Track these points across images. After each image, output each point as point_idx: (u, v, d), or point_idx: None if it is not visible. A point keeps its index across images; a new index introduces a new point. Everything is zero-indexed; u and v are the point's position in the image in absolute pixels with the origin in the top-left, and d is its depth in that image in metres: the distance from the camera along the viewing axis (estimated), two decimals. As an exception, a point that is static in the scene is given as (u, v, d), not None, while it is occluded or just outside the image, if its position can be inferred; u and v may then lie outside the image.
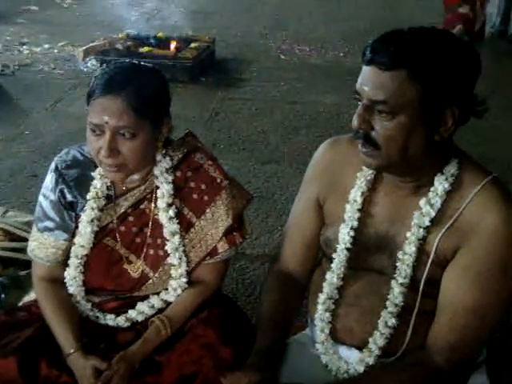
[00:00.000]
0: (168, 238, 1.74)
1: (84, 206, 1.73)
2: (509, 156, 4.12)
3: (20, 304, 1.92)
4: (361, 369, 1.56)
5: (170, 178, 1.74)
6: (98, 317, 1.77)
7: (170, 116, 1.72)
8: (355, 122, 1.41)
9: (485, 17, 6.83)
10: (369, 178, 1.57)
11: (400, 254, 1.50)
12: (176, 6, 7.97)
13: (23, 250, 2.11)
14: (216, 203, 1.76)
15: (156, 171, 1.73)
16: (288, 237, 1.75)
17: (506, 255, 1.44)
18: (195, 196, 1.76)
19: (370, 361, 1.55)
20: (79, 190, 1.74)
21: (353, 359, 1.58)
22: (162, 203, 1.73)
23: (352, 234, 1.57)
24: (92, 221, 1.73)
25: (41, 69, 5.64)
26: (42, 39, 6.46)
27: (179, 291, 1.77)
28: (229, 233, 1.77)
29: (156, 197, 1.74)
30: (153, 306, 1.76)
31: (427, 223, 1.48)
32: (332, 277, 1.60)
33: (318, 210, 1.68)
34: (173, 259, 1.75)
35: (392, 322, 1.52)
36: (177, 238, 1.74)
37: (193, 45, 5.64)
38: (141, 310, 1.76)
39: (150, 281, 1.77)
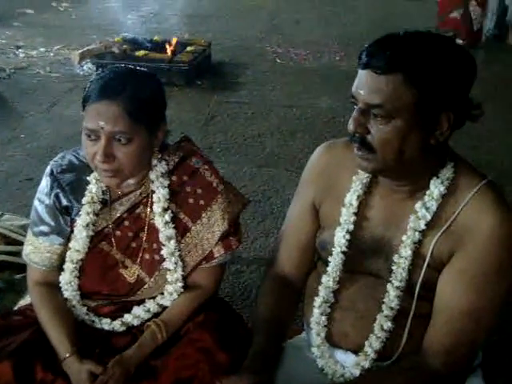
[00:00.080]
0: (164, 242, 1.73)
1: (79, 211, 1.73)
2: (504, 160, 4.13)
3: (15, 308, 1.92)
4: (357, 372, 1.56)
5: (166, 183, 1.73)
6: (93, 321, 1.76)
7: (166, 121, 1.72)
8: (351, 125, 1.41)
9: (483, 18, 6.83)
10: (364, 181, 1.57)
11: (396, 258, 1.51)
12: (172, 9, 7.97)
13: (18, 254, 2.10)
14: (212, 208, 1.75)
15: (152, 176, 1.73)
16: (284, 240, 1.75)
17: (502, 259, 1.44)
18: (191, 200, 1.76)
19: (366, 364, 1.55)
20: (74, 195, 1.74)
21: (349, 363, 1.58)
22: (157, 208, 1.73)
23: (348, 237, 1.57)
24: (87, 225, 1.72)
25: (37, 72, 5.63)
26: (37, 42, 6.45)
27: (175, 296, 1.76)
28: (225, 237, 1.77)
29: (152, 201, 1.74)
30: (148, 310, 1.76)
31: (423, 227, 1.48)
32: (328, 280, 1.60)
33: (314, 214, 1.68)
34: (169, 264, 1.74)
35: (388, 325, 1.52)
36: (173, 243, 1.73)
37: (189, 48, 5.65)
38: (136, 314, 1.75)
39: (146, 285, 1.77)
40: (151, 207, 1.74)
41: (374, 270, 1.56)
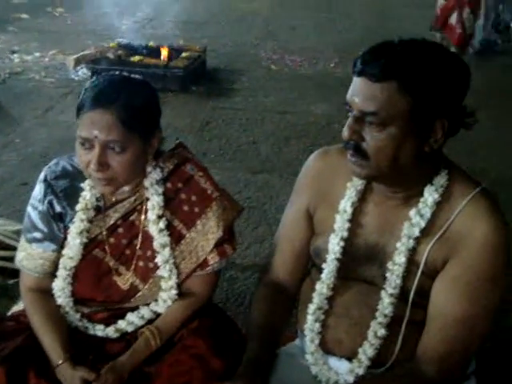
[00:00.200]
0: (158, 250, 1.73)
1: (73, 217, 1.72)
2: (497, 167, 4.14)
3: (8, 314, 1.91)
4: (351, 379, 1.56)
5: (161, 190, 1.73)
6: (87, 327, 1.75)
7: (161, 128, 1.72)
8: (345, 132, 1.42)
9: (474, 28, 6.86)
10: (359, 188, 1.57)
11: (390, 265, 1.51)
12: (167, 15, 7.97)
13: (12, 259, 2.09)
14: (207, 215, 1.75)
15: (146, 183, 1.73)
16: (278, 246, 1.75)
17: (495, 266, 1.45)
18: (186, 208, 1.75)
19: (360, 371, 1.55)
20: (68, 201, 1.73)
21: (343, 370, 1.58)
22: (152, 215, 1.72)
23: (342, 244, 1.57)
24: (81, 232, 1.72)
25: (31, 77, 5.63)
26: (32, 47, 6.45)
27: (169, 303, 1.76)
28: (219, 245, 1.76)
29: (146, 208, 1.73)
30: (142, 317, 1.75)
31: (417, 234, 1.49)
32: (322, 287, 1.60)
33: (308, 220, 1.68)
34: (163, 271, 1.74)
35: (381, 332, 1.52)
36: (167, 251, 1.73)
37: (184, 54, 5.65)
38: (130, 321, 1.75)
39: (140, 293, 1.76)
40: (145, 214, 1.73)
41: (368, 276, 1.56)
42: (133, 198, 1.74)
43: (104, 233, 1.74)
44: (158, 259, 1.73)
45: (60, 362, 1.65)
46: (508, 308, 2.54)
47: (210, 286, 1.81)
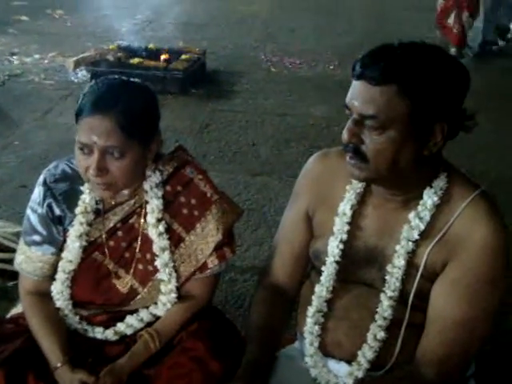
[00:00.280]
0: (158, 253, 1.73)
1: (72, 220, 1.72)
2: (497, 169, 4.14)
3: (8, 316, 1.91)
4: (350, 382, 1.55)
5: (160, 193, 1.73)
6: (86, 330, 1.75)
7: (160, 132, 1.71)
8: (345, 135, 1.42)
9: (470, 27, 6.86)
10: (358, 190, 1.57)
11: (389, 268, 1.51)
12: (167, 17, 7.98)
13: (11, 261, 2.09)
14: (206, 218, 1.75)
15: (146, 186, 1.72)
16: (277, 249, 1.75)
17: (494, 269, 1.45)
18: (185, 211, 1.75)
19: (359, 374, 1.55)
20: (67, 204, 1.73)
21: (342, 373, 1.58)
22: (151, 218, 1.72)
23: (341, 246, 1.57)
24: (80, 236, 1.71)
25: (31, 79, 5.62)
26: (32, 49, 6.45)
27: (169, 306, 1.76)
28: (219, 248, 1.76)
29: (145, 212, 1.73)
30: (142, 320, 1.75)
31: (416, 237, 1.49)
32: (321, 290, 1.60)
33: (308, 223, 1.68)
34: (163, 275, 1.74)
35: (381, 335, 1.52)
36: (166, 254, 1.73)
37: (183, 56, 5.65)
38: (130, 324, 1.75)
39: (139, 296, 1.76)
40: (145, 217, 1.73)
41: (368, 279, 1.56)
42: (132, 201, 1.74)
43: (103, 236, 1.74)
44: (158, 263, 1.73)
45: (59, 365, 1.65)
46: (507, 311, 2.54)
47: (209, 288, 1.81)
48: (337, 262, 1.58)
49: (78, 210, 1.71)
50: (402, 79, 1.35)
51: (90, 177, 1.61)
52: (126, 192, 1.72)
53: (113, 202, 1.74)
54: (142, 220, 1.74)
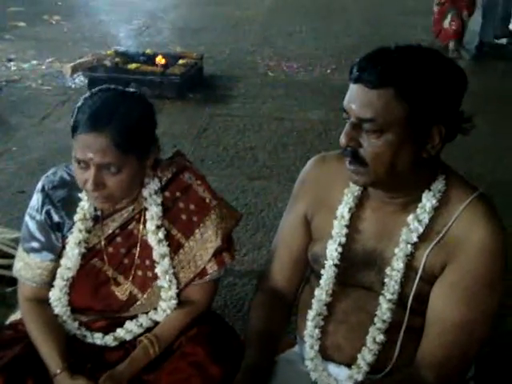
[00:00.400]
0: (157, 260, 1.72)
1: (71, 227, 1.71)
2: (494, 172, 4.15)
3: (7, 322, 1.90)
4: (350, 386, 1.56)
5: (159, 200, 1.72)
6: (85, 336, 1.75)
7: (158, 139, 1.69)
8: (343, 139, 1.42)
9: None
10: (356, 194, 1.58)
11: (388, 270, 1.51)
12: (164, 22, 7.99)
13: (10, 267, 2.09)
14: (205, 224, 1.75)
15: (144, 193, 1.72)
16: (275, 252, 1.75)
17: (493, 271, 1.45)
18: (184, 217, 1.75)
19: (359, 377, 1.55)
20: (66, 211, 1.72)
21: (342, 376, 1.58)
22: (151, 225, 1.71)
23: (340, 250, 1.57)
24: (79, 243, 1.71)
25: (28, 85, 5.62)
26: (29, 55, 6.45)
27: (168, 312, 1.75)
28: (218, 253, 1.76)
29: (145, 218, 1.72)
30: (141, 325, 1.75)
31: (415, 239, 1.49)
32: (321, 293, 1.60)
33: (306, 226, 1.68)
34: (163, 282, 1.73)
35: (380, 338, 1.52)
36: (166, 261, 1.72)
37: (181, 61, 5.65)
38: (129, 329, 1.74)
39: (139, 302, 1.76)
40: (144, 223, 1.73)
41: (367, 282, 1.56)
42: (131, 208, 1.73)
43: (102, 242, 1.74)
44: (158, 269, 1.72)
45: (58, 372, 1.64)
46: (506, 313, 2.54)
47: (208, 294, 1.81)
48: (336, 266, 1.58)
49: (76, 217, 1.71)
50: (399, 82, 1.35)
51: (88, 190, 1.61)
52: (124, 200, 1.71)
53: (111, 209, 1.73)
54: (141, 226, 1.73)
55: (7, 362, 1.63)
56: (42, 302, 1.75)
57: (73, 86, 5.54)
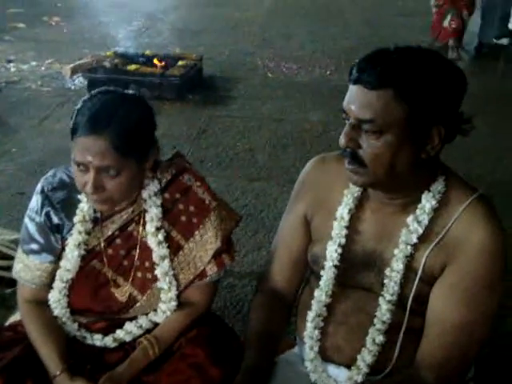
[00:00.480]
0: (157, 262, 1.72)
1: (71, 229, 1.71)
2: (494, 173, 4.15)
3: (6, 324, 1.90)
4: (349, 387, 1.55)
5: (159, 202, 1.72)
6: (85, 337, 1.75)
7: (157, 140, 1.69)
8: (342, 140, 1.42)
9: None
10: (356, 195, 1.58)
11: (388, 271, 1.51)
12: (164, 24, 7.99)
13: (9, 268, 2.09)
14: (205, 226, 1.75)
15: (144, 194, 1.71)
16: (275, 253, 1.75)
17: (492, 272, 1.45)
18: (183, 218, 1.75)
19: (359, 378, 1.54)
20: (66, 213, 1.72)
21: (342, 377, 1.58)
22: (150, 227, 1.71)
23: (339, 251, 1.57)
24: (79, 245, 1.70)
25: (28, 86, 5.63)
26: (29, 56, 6.46)
27: (168, 313, 1.75)
28: (217, 255, 1.76)
29: (144, 220, 1.72)
30: (141, 327, 1.75)
31: (415, 240, 1.49)
32: (320, 294, 1.60)
33: (306, 227, 1.68)
34: (163, 284, 1.73)
35: (380, 339, 1.52)
36: (166, 262, 1.72)
37: (180, 62, 5.66)
38: (129, 330, 1.74)
39: (138, 303, 1.76)
40: (143, 225, 1.72)
41: (366, 283, 1.56)
42: (130, 209, 1.73)
43: (102, 244, 1.73)
44: (158, 271, 1.72)
45: (58, 373, 1.64)
46: (506, 314, 2.55)
47: (208, 295, 1.81)
48: (335, 267, 1.58)
49: (76, 218, 1.70)
50: (398, 83, 1.35)
51: (87, 193, 1.60)
52: (124, 201, 1.71)
53: (111, 211, 1.73)
54: (141, 228, 1.73)
55: (7, 364, 1.63)
56: (41, 304, 1.75)
57: (72, 87, 5.55)
